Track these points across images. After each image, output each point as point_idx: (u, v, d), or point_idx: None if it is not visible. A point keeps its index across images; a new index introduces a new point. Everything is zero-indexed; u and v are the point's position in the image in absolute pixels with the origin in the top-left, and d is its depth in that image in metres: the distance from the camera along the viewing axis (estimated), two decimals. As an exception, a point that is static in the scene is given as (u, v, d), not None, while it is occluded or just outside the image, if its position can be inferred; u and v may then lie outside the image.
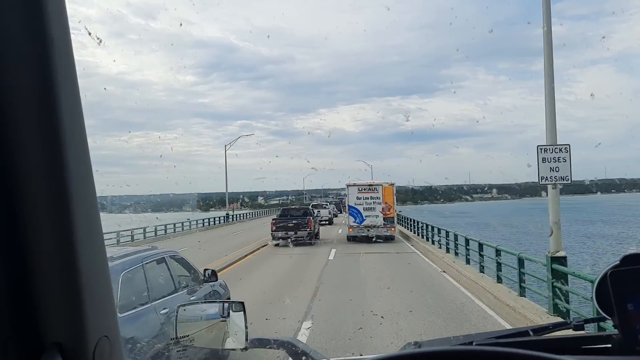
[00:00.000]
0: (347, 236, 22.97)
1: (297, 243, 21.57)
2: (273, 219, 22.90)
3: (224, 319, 1.60)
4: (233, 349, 1.58)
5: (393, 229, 23.08)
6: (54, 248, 0.68)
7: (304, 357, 1.42)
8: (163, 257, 5.11)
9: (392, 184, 23.47)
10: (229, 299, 6.71)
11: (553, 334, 1.25)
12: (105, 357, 0.75)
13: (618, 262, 1.03)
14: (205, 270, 5.94)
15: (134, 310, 4.11)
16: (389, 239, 22.79)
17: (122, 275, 4.13)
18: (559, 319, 5.92)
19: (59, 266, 0.69)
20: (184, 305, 1.67)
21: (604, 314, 1.06)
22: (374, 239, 21.93)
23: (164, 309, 4.54)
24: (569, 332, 1.22)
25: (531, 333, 1.23)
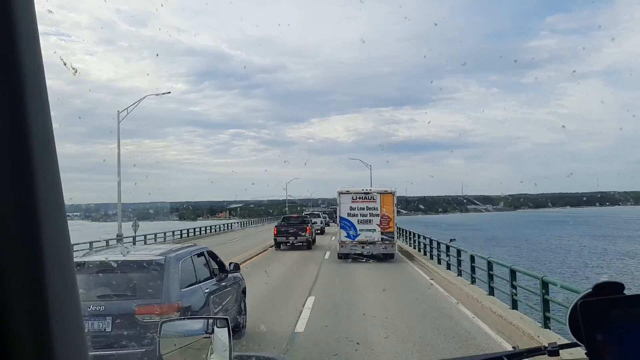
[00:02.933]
0: (338, 254, 20.79)
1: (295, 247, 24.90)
2: (276, 226, 26.63)
3: (208, 335, 1.66)
4: None
5: (393, 246, 20.95)
6: (18, 269, 0.67)
7: None
8: (202, 252, 7.19)
9: (393, 192, 21.25)
10: (245, 288, 8.76)
11: (527, 359, 1.29)
12: None
13: (590, 290, 1.10)
14: (230, 263, 7.99)
15: (189, 288, 6.16)
16: (387, 257, 20.74)
17: (180, 262, 6.19)
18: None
19: (23, 291, 0.67)
20: (168, 320, 1.73)
21: (576, 341, 1.12)
22: (362, 256, 19.75)
23: (206, 289, 6.60)
24: (544, 358, 1.29)
25: (505, 359, 1.26)
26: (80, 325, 0.78)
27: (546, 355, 1.28)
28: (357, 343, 8.33)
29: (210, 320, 1.72)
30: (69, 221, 0.77)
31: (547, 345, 1.28)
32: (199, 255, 7.06)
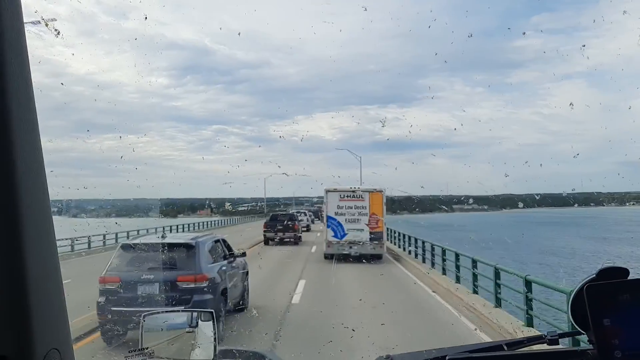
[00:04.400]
0: (324, 254, 21.38)
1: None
2: (265, 222, 29.84)
3: (192, 329, 1.71)
4: None
5: (381, 247, 21.30)
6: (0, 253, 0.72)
7: None
8: (219, 239, 9.68)
9: (382, 191, 21.62)
10: (248, 270, 11.22)
11: (527, 348, 1.34)
12: None
13: (594, 275, 1.11)
14: (238, 250, 10.48)
15: (213, 264, 8.63)
16: (375, 258, 21.11)
17: (206, 245, 8.65)
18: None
19: (5, 273, 0.74)
20: (150, 314, 1.75)
21: (579, 329, 1.15)
22: (350, 257, 20.16)
23: (223, 267, 9.08)
24: (544, 347, 1.33)
25: (505, 347, 1.31)
26: (65, 317, 0.86)
27: (546, 344, 1.33)
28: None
29: (195, 314, 1.76)
30: None
31: (546, 334, 1.34)
32: (217, 241, 9.58)
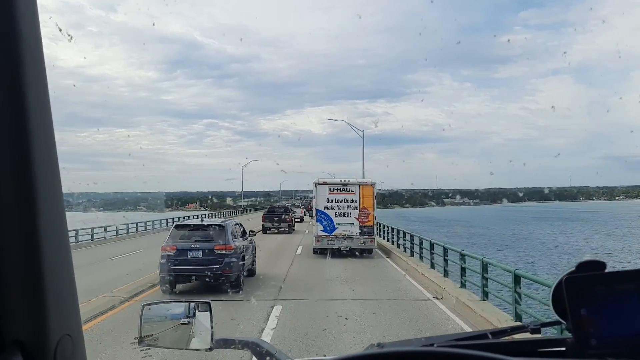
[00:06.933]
0: (313, 249, 21.96)
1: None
2: (263, 214, 36.48)
3: (189, 318, 1.86)
4: (198, 349, 1.83)
5: (372, 241, 21.66)
6: (16, 244, 0.81)
7: (268, 358, 1.71)
8: (238, 222, 14.75)
9: (373, 184, 22.00)
10: (255, 249, 16.12)
11: (511, 337, 1.49)
12: (67, 355, 0.89)
13: (574, 268, 1.22)
14: (250, 230, 15.47)
15: (235, 239, 13.59)
16: (365, 252, 21.67)
17: (231, 226, 13.63)
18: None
19: (20, 262, 0.82)
20: (149, 304, 1.91)
21: (559, 318, 1.26)
22: (339, 251, 21.12)
23: (241, 242, 14.05)
24: (526, 336, 1.48)
25: (490, 336, 1.45)
26: (76, 304, 0.96)
27: (528, 334, 1.47)
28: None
29: (192, 304, 1.89)
30: None
31: (529, 323, 1.48)
32: (236, 224, 14.64)
